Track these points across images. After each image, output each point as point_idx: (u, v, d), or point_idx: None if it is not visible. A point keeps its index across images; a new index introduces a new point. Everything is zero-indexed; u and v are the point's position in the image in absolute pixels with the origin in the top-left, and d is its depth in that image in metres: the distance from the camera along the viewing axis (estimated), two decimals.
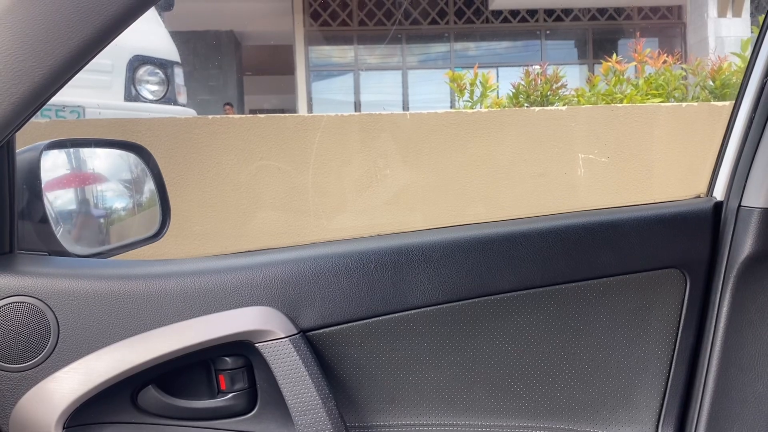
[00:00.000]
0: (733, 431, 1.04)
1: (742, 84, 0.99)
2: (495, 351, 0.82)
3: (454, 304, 0.81)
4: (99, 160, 1.24)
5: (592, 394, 0.82)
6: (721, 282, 1.02)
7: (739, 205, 0.99)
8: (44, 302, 0.81)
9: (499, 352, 0.82)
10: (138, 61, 4.26)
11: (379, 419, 0.84)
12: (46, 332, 0.81)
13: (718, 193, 0.94)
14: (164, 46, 4.56)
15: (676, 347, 0.83)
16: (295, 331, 0.80)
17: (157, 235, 1.08)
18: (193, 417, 0.85)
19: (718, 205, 0.90)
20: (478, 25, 11.54)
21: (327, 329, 0.83)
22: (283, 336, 0.79)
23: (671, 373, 0.83)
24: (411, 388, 0.84)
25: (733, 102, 1.00)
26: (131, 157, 1.18)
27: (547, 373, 0.81)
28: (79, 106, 3.80)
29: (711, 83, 3.11)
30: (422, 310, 0.82)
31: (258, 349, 0.80)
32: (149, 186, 1.11)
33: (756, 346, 1.03)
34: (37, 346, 0.81)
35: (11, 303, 0.80)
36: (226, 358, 0.84)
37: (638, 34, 10.02)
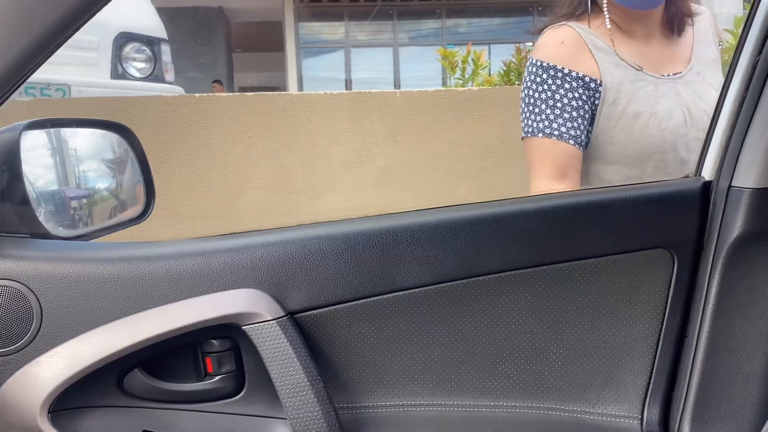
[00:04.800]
0: (720, 411, 1.05)
1: (732, 62, 0.97)
2: (483, 332, 0.83)
3: (442, 285, 0.81)
4: (81, 139, 1.21)
5: (580, 373, 0.83)
6: (710, 262, 1.02)
7: (730, 186, 0.99)
8: (26, 286, 0.80)
9: (486, 332, 0.82)
10: (124, 39, 4.20)
11: (368, 400, 0.84)
12: (28, 316, 0.79)
13: (707, 173, 0.94)
14: (151, 23, 4.49)
15: (663, 327, 0.84)
16: (283, 314, 0.80)
17: (141, 217, 1.07)
18: (180, 400, 0.84)
19: (707, 185, 0.90)
20: (469, 1, 11.45)
21: (314, 311, 0.82)
22: (271, 318, 0.79)
23: (658, 353, 0.83)
24: (399, 369, 0.84)
25: (723, 80, 1.01)
26: (114, 137, 1.16)
27: (535, 353, 0.82)
28: (64, 84, 3.75)
29: None
30: (410, 291, 0.81)
31: (245, 332, 0.80)
32: (133, 166, 1.09)
33: (744, 327, 1.03)
34: (20, 331, 0.80)
35: None
36: (213, 341, 0.84)
37: None
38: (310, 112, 2.65)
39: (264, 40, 12.44)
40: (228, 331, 0.83)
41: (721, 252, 1.01)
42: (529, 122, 1.36)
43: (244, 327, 0.80)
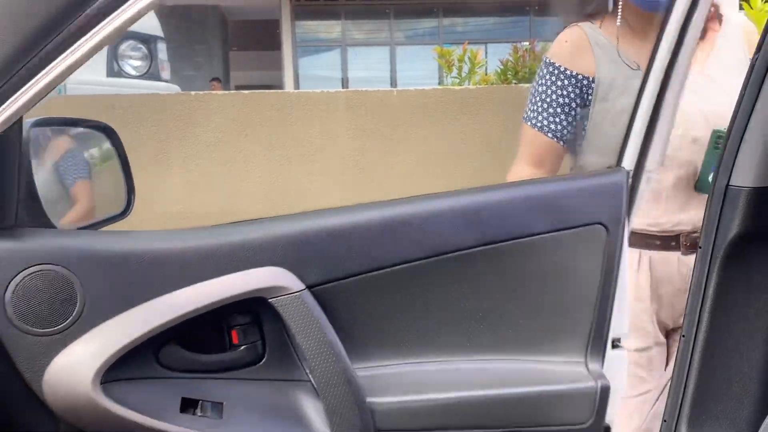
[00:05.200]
0: (717, 410, 1.05)
1: (649, 61, 1.08)
2: (457, 299, 0.98)
3: (429, 260, 0.96)
4: (65, 138, 1.23)
5: (536, 330, 1.00)
6: (708, 261, 1.02)
7: (728, 185, 0.99)
8: (69, 270, 0.87)
9: (460, 299, 0.99)
10: (120, 36, 4.18)
11: (369, 361, 0.98)
12: (72, 298, 0.87)
13: (627, 164, 1.08)
14: (147, 21, 4.47)
15: (599, 289, 1.00)
16: (303, 287, 0.92)
17: (123, 214, 1.11)
18: (210, 369, 0.94)
19: (627, 174, 1.05)
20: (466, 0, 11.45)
21: (328, 284, 0.94)
22: (295, 291, 0.91)
23: (596, 311, 1.00)
24: (394, 334, 0.98)
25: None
26: (98, 136, 1.18)
27: (499, 315, 0.99)
28: None
29: None
30: (402, 266, 0.96)
31: (272, 304, 0.91)
32: (116, 165, 1.12)
33: (742, 326, 1.03)
34: (65, 311, 0.87)
35: (37, 271, 0.86)
36: (238, 315, 0.94)
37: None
38: (307, 110, 2.65)
39: (261, 39, 12.42)
40: (252, 305, 0.93)
41: (719, 251, 1.01)
42: (526, 110, 1.48)
43: (270, 300, 0.91)
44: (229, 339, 0.95)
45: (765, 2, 2.82)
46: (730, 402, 1.05)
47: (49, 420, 0.90)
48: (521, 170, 1.43)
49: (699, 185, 1.36)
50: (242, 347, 0.95)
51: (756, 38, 1.44)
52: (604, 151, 1.42)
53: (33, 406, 0.89)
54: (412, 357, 0.97)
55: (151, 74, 4.50)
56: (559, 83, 1.44)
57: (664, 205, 1.41)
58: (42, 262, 0.87)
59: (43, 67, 0.81)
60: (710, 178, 1.32)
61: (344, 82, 11.95)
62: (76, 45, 0.81)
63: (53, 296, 0.87)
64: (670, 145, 1.38)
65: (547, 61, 1.46)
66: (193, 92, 2.65)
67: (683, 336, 1.06)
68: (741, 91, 0.98)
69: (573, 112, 1.44)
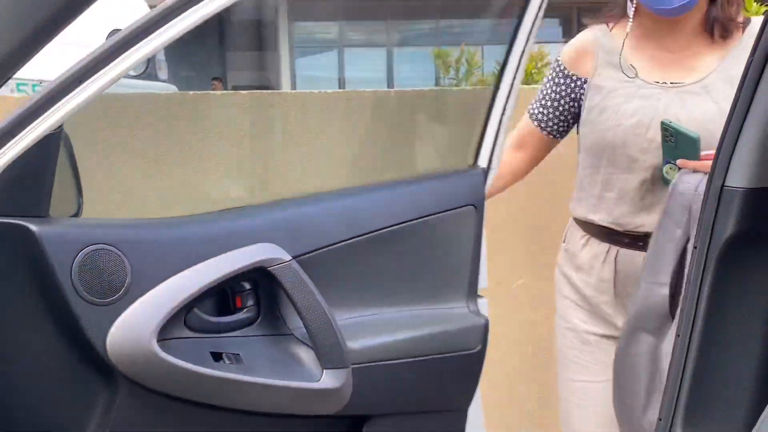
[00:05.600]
0: (712, 410, 1.06)
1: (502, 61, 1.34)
2: (379, 267, 1.26)
3: (357, 238, 1.22)
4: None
5: (434, 285, 1.29)
6: (703, 262, 1.03)
7: (723, 185, 1.00)
8: (118, 249, 1.06)
9: (381, 267, 1.26)
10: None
11: (343, 314, 1.23)
12: (123, 272, 1.06)
13: (483, 162, 1.34)
14: None
15: (472, 253, 1.29)
16: (291, 257, 1.14)
17: (75, 216, 1.19)
18: (223, 330, 1.15)
19: (482, 170, 1.33)
20: (464, 1, 11.47)
21: (306, 255, 1.18)
22: (287, 260, 1.13)
23: (471, 269, 1.30)
24: (342, 294, 1.22)
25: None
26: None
27: (407, 276, 1.28)
28: None
29: None
30: (342, 243, 1.22)
31: (271, 272, 1.12)
32: (66, 166, 1.18)
33: (737, 326, 1.04)
34: (117, 284, 1.06)
35: (94, 250, 1.05)
36: (243, 283, 1.15)
37: None
38: (303, 111, 2.65)
39: (258, 39, 12.42)
40: (252, 274, 1.13)
41: (714, 251, 1.01)
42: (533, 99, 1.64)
43: (269, 268, 1.12)
44: (234, 304, 1.16)
45: (760, 5, 2.84)
46: (725, 402, 1.06)
47: (109, 378, 1.08)
48: (506, 149, 1.53)
49: (662, 179, 1.40)
50: (245, 309, 1.16)
51: None
52: (586, 149, 1.53)
53: (95, 366, 1.07)
54: (352, 312, 1.22)
55: (149, 74, 4.49)
56: (557, 80, 1.55)
57: (627, 206, 1.43)
58: (97, 242, 1.05)
59: (93, 74, 0.97)
60: (664, 171, 1.36)
61: (340, 83, 11.95)
62: (124, 55, 0.98)
63: (107, 271, 1.05)
64: (636, 147, 1.44)
65: (556, 59, 1.60)
66: (191, 92, 2.65)
67: (678, 336, 1.07)
68: (736, 93, 0.99)
69: (561, 108, 1.55)
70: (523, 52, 1.36)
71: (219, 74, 11.89)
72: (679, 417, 1.05)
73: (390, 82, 11.85)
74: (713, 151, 1.22)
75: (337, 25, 12.04)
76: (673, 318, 1.26)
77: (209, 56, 11.99)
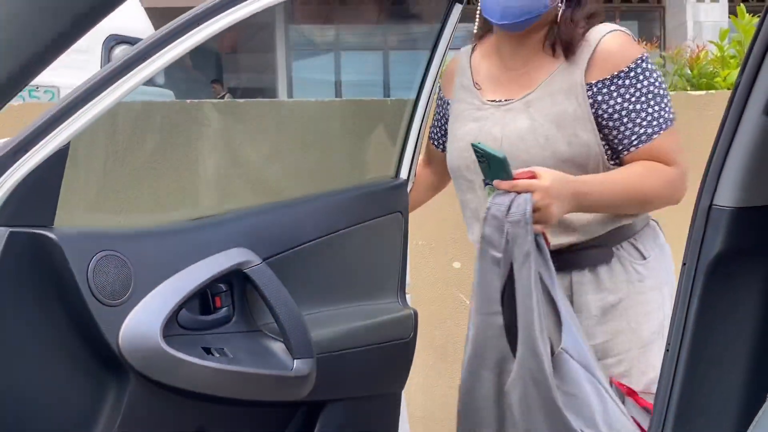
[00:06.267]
0: (701, 423, 1.07)
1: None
2: (311, 271, 1.40)
3: (305, 245, 1.38)
4: None
5: (370, 285, 1.46)
6: (692, 278, 1.05)
7: (711, 204, 1.02)
8: (122, 254, 1.16)
9: (313, 271, 1.40)
10: (113, 41, 4.17)
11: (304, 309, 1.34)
12: (128, 276, 1.16)
13: (403, 174, 1.54)
14: (140, 25, 4.46)
15: (400, 254, 1.48)
16: (261, 260, 1.27)
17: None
18: (205, 327, 1.26)
19: (402, 182, 1.51)
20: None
21: (272, 258, 1.31)
22: (259, 263, 1.26)
23: (400, 268, 1.48)
24: (298, 293, 1.32)
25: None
26: None
27: (348, 276, 1.44)
28: (53, 87, 3.74)
29: (689, 72, 3.13)
30: (294, 249, 1.37)
31: (247, 274, 1.25)
32: None
33: (725, 341, 1.06)
34: (124, 286, 1.16)
35: (104, 256, 1.15)
36: (220, 285, 1.26)
37: (618, 19, 10.05)
38: (300, 121, 2.66)
39: (254, 42, 12.41)
40: (227, 277, 1.25)
41: (703, 268, 1.03)
42: None
43: (245, 270, 1.25)
44: (213, 304, 1.27)
45: (752, 16, 2.86)
46: (713, 414, 1.07)
47: (120, 372, 1.16)
48: (419, 164, 1.61)
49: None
50: (223, 309, 1.27)
51: (613, 60, 1.36)
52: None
53: (107, 362, 1.16)
54: (301, 310, 1.31)
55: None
56: (438, 102, 1.62)
57: (480, 226, 1.37)
58: (106, 249, 1.15)
59: (114, 83, 1.07)
60: (487, 192, 1.33)
61: (337, 86, 11.96)
62: (149, 60, 1.10)
63: (115, 274, 1.15)
64: (467, 170, 1.47)
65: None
66: (188, 100, 2.66)
67: (668, 350, 1.08)
68: (724, 114, 1.00)
69: (443, 129, 1.59)
70: (442, 60, 1.47)
71: (216, 77, 11.87)
72: (669, 429, 1.07)
73: (386, 86, 11.86)
74: (528, 169, 1.25)
75: (333, 28, 12.04)
76: (512, 350, 1.25)
77: (206, 59, 11.98)
